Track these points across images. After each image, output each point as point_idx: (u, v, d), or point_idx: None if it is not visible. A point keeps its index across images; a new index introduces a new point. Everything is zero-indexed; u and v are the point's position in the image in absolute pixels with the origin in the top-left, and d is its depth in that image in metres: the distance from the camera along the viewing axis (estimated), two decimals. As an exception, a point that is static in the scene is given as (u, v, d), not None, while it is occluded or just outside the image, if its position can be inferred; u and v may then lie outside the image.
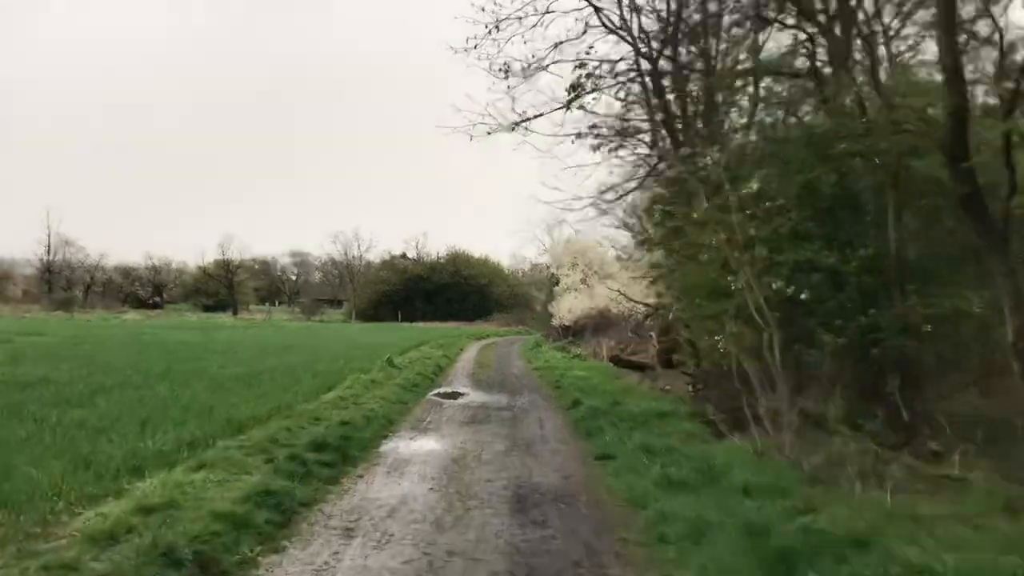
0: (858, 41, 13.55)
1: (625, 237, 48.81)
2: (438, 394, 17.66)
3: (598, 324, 37.51)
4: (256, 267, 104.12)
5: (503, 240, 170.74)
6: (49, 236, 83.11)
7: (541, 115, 18.25)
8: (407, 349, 29.27)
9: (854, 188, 12.56)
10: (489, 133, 18.27)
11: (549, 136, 18.39)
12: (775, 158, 12.54)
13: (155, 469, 7.80)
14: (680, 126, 17.79)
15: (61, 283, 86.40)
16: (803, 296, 10.33)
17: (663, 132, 18.43)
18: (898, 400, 11.54)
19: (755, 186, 10.78)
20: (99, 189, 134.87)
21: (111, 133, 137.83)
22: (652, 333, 26.94)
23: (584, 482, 9.04)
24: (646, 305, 34.38)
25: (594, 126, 18.07)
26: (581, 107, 17.19)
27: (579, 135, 16.65)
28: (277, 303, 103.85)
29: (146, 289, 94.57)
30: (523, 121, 18.10)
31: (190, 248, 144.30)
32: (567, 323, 38.30)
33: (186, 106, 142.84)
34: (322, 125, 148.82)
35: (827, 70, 13.94)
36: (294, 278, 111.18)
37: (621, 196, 22.12)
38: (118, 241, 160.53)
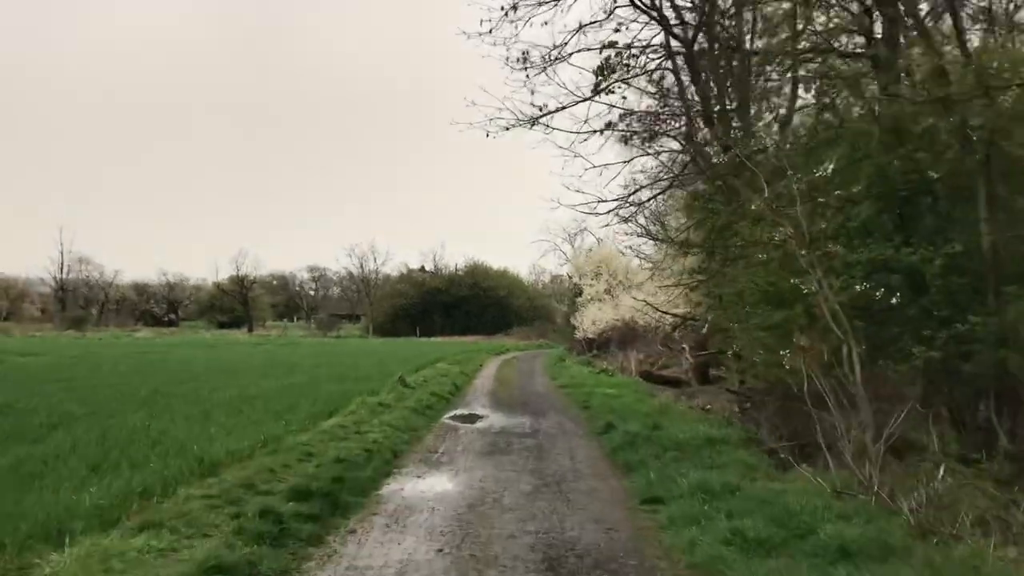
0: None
1: (649, 246, 47.09)
2: (454, 417, 15.89)
3: (624, 336, 35.62)
4: (274, 283, 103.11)
5: (522, 252, 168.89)
6: (62, 254, 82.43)
7: (564, 108, 16.56)
8: (422, 366, 27.53)
9: (936, 173, 10.63)
10: (508, 128, 16.67)
11: (572, 133, 16.76)
12: (841, 142, 10.68)
13: (86, 532, 6.08)
14: (717, 113, 15.99)
15: (79, 301, 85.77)
16: (893, 301, 8.48)
17: (699, 122, 16.64)
18: (995, 425, 9.67)
19: (830, 167, 8.91)
20: (114, 205, 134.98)
21: (123, 148, 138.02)
22: (685, 346, 25.04)
23: (632, 538, 7.20)
24: (675, 316, 32.54)
25: (626, 113, 16.35)
26: (609, 92, 15.45)
27: (608, 126, 14.89)
28: (296, 319, 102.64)
29: (161, 306, 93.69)
30: (544, 115, 16.44)
31: (206, 264, 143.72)
32: (591, 336, 36.47)
33: (198, 120, 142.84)
34: (338, 138, 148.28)
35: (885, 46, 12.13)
36: (312, 293, 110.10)
37: (654, 196, 20.40)
38: (134, 258, 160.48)
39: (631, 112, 15.12)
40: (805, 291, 8.93)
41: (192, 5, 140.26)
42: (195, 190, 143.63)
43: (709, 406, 17.15)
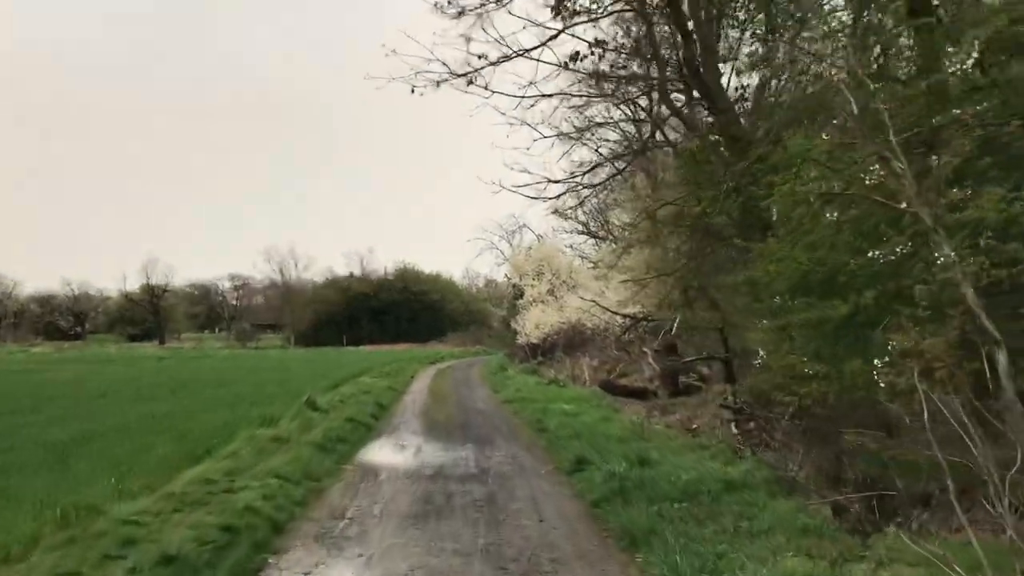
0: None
1: (589, 245, 43.98)
2: (375, 452, 12.17)
3: (571, 341, 32.37)
4: (194, 293, 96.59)
5: (456, 255, 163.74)
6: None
7: (507, 59, 13.10)
8: (342, 381, 23.68)
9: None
10: (438, 84, 13.07)
11: (517, 97, 13.32)
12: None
13: None
14: (702, 63, 12.71)
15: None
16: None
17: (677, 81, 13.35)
18: None
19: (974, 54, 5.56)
20: (13, 214, 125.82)
21: (21, 153, 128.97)
22: (646, 349, 21.84)
23: None
24: (627, 316, 29.43)
25: (597, 75, 12.94)
26: (568, 33, 12.00)
27: (574, 58, 11.41)
28: (217, 329, 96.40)
29: (67, 319, 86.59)
30: (483, 68, 12.95)
31: (115, 274, 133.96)
32: (535, 341, 33.10)
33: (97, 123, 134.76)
34: (253, 138, 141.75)
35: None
36: (235, 303, 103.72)
37: (616, 173, 17.12)
38: (36, 268, 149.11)
39: (600, 44, 11.61)
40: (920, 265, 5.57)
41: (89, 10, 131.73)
42: (102, 195, 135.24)
43: (695, 425, 13.87)
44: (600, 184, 17.53)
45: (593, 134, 17.78)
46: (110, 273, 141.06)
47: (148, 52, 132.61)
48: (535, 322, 33.74)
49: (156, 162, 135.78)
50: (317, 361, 39.84)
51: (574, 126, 15.95)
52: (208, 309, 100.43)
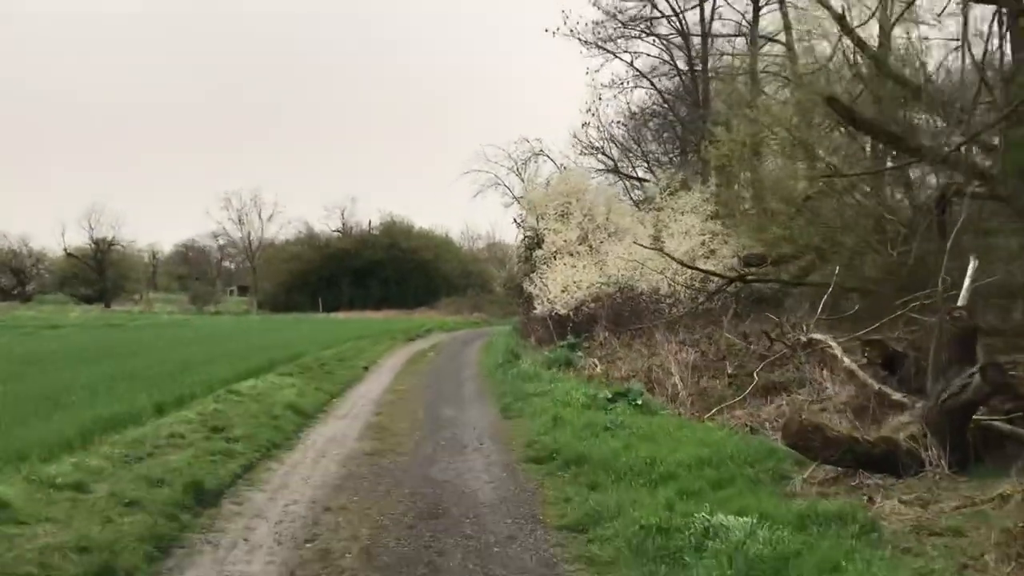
0: None
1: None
2: None
3: (618, 311, 20.94)
4: (186, 251, 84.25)
5: (451, 210, 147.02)
6: None
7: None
8: (241, 376, 12.48)
9: None
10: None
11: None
12: None
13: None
14: None
15: None
16: None
17: None
18: None
19: None
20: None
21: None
22: (833, 344, 10.42)
23: None
24: (719, 276, 18.29)
25: None
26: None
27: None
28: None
29: (8, 277, 74.89)
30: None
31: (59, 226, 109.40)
32: (561, 310, 21.61)
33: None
34: (213, 64, 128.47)
35: None
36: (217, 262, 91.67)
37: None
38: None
39: None
40: None
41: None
42: (40, 139, 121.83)
43: None
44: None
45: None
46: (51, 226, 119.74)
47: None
48: (562, 283, 22.24)
49: (108, 104, 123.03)
50: (249, 334, 28.48)
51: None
52: (192, 270, 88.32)
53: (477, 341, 28.80)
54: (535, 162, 31.51)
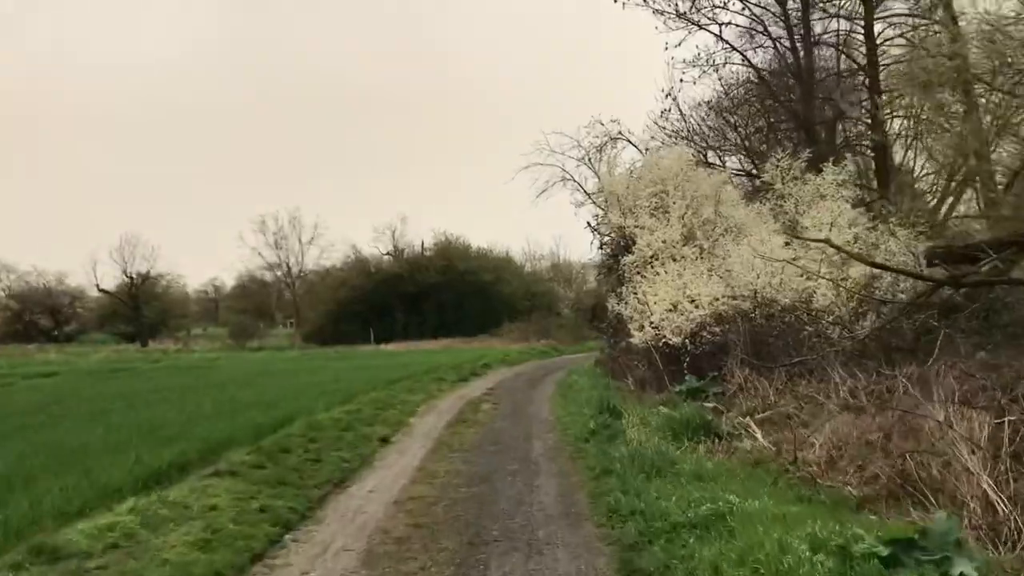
0: None
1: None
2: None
3: (759, 336, 14.11)
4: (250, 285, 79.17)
5: (510, 228, 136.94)
6: None
7: None
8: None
9: None
10: None
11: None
12: None
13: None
14: None
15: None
16: None
17: None
18: None
19: None
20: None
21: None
22: None
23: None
24: (923, 280, 11.56)
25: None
26: None
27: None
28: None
29: (46, 318, 71.36)
30: None
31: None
32: (671, 339, 14.82)
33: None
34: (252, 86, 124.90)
35: None
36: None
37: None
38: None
39: None
40: None
41: None
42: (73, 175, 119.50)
43: None
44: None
45: None
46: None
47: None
48: (670, 299, 15.55)
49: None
50: (264, 377, 22.50)
51: None
52: (250, 303, 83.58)
53: (549, 380, 22.15)
54: (612, 148, 24.99)
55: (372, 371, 24.07)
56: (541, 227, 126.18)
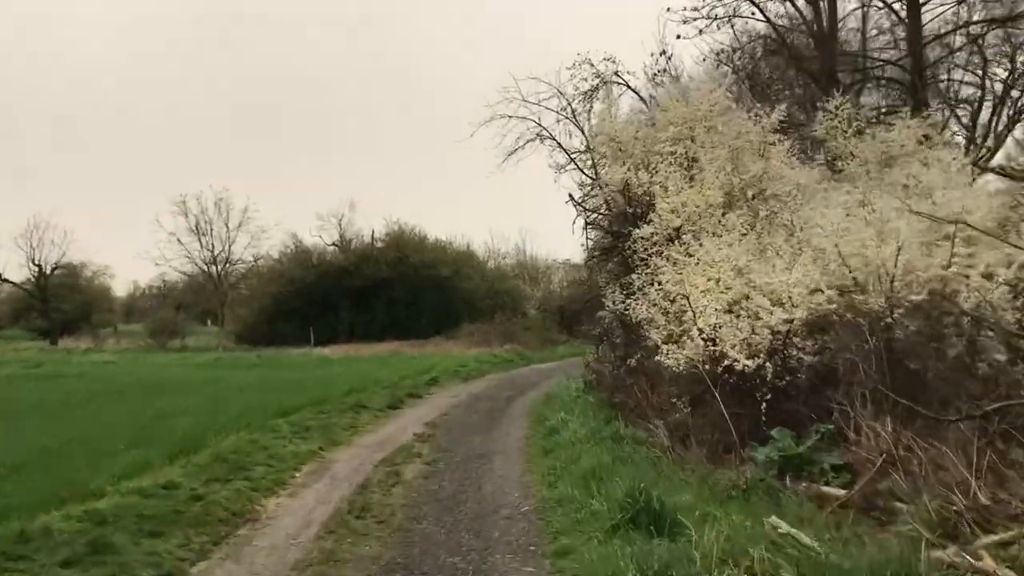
0: None
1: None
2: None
3: (898, 353, 7.78)
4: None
5: (470, 219, 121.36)
6: None
7: None
8: None
9: None
10: None
11: None
12: None
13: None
14: None
15: None
16: None
17: None
18: None
19: None
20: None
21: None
22: None
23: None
24: None
25: None
26: None
27: None
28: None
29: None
30: None
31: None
32: (742, 360, 8.53)
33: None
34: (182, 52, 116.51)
35: None
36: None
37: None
38: None
39: None
40: None
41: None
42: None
43: None
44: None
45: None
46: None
47: None
48: (728, 295, 9.20)
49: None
50: (131, 395, 15.81)
51: None
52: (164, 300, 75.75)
53: (517, 410, 15.60)
54: (606, 93, 18.41)
55: (275, 390, 17.37)
56: (505, 218, 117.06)
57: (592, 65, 18.80)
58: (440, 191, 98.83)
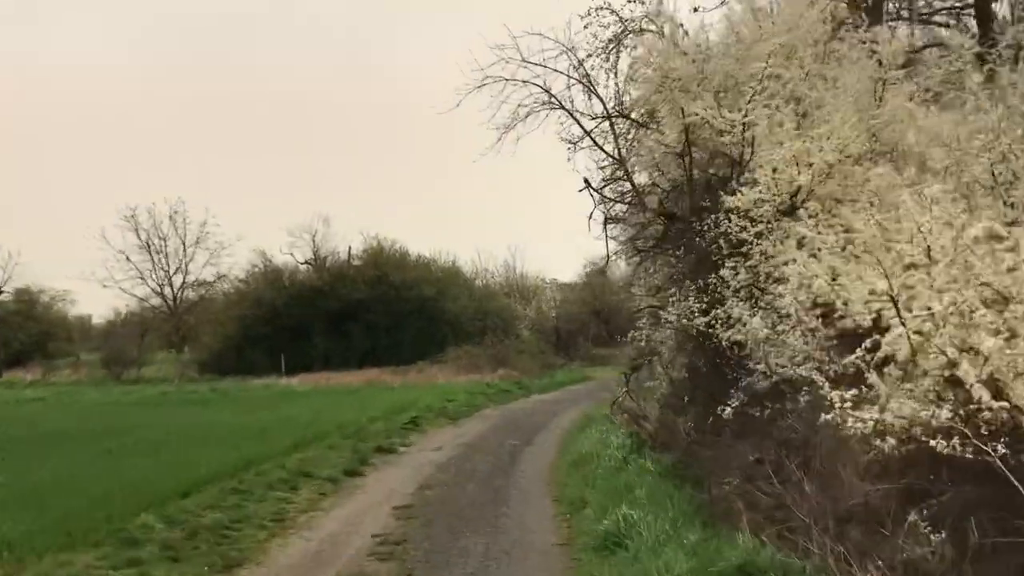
0: None
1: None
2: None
3: None
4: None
5: (458, 234, 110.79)
6: None
7: None
8: None
9: None
10: None
11: None
12: None
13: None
14: None
15: None
16: None
17: None
18: None
19: None
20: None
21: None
22: None
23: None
24: None
25: None
26: None
27: None
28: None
29: None
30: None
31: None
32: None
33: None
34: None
35: None
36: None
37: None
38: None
39: None
40: None
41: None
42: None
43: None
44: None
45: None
46: None
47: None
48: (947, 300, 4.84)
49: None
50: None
51: None
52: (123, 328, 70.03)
53: (532, 467, 11.00)
54: (619, 50, 13.82)
55: (196, 444, 12.68)
56: (494, 236, 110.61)
57: (613, 12, 14.23)
58: (423, 203, 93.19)
